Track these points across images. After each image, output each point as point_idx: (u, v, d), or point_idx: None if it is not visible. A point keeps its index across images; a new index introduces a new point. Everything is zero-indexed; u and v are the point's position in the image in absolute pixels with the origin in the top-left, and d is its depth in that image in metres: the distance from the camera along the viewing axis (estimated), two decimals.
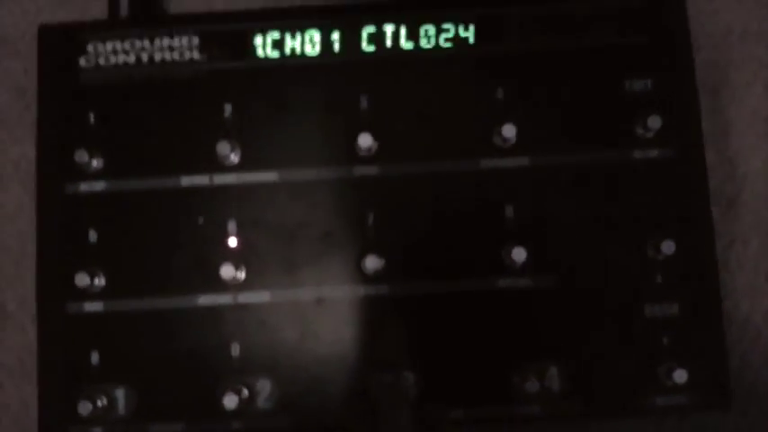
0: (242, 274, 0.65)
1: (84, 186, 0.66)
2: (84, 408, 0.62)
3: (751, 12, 0.75)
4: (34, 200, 0.67)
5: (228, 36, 0.68)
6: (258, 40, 0.68)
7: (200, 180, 0.66)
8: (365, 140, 0.64)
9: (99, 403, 0.63)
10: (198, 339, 0.65)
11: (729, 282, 0.71)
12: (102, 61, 0.68)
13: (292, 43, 0.68)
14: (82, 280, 0.63)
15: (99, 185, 0.66)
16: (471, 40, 0.67)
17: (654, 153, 0.66)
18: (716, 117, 0.73)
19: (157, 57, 0.68)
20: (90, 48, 0.68)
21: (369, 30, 0.68)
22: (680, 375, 0.61)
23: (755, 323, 0.70)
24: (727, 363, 0.64)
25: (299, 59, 0.68)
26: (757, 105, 0.73)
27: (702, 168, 0.66)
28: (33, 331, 0.66)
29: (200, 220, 0.66)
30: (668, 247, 0.63)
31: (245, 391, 0.63)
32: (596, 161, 0.66)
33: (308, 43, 0.68)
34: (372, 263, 0.64)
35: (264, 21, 0.68)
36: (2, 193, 0.73)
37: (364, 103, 0.67)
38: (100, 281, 0.65)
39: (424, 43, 0.67)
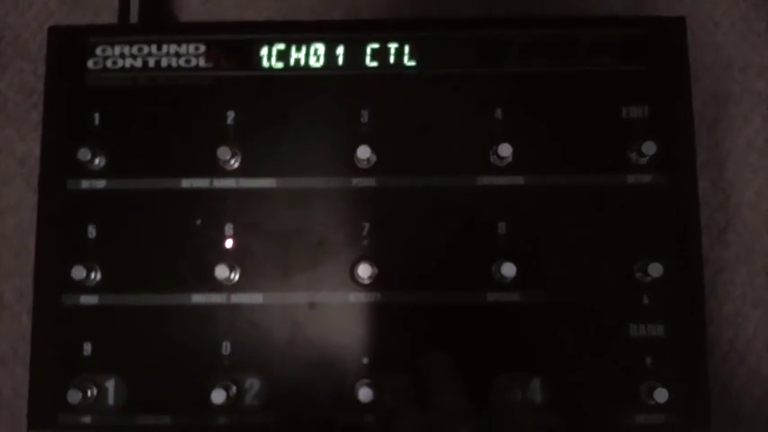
0: (236, 276, 0.66)
1: (85, 183, 0.67)
2: (74, 396, 0.63)
3: (754, 46, 0.76)
4: (36, 196, 0.68)
5: (235, 46, 0.69)
6: (264, 50, 0.69)
7: (200, 183, 0.67)
8: (364, 152, 0.66)
9: (89, 393, 0.64)
10: (190, 336, 0.65)
11: (716, 308, 0.71)
12: (109, 64, 0.69)
13: (297, 55, 0.69)
14: (78, 273, 0.64)
15: (100, 183, 0.67)
16: (473, 60, 0.69)
17: (647, 179, 0.67)
18: (712, 148, 0.74)
19: (164, 62, 0.69)
20: (98, 50, 0.69)
21: (373, 46, 0.69)
22: (661, 394, 0.62)
23: (738, 351, 0.71)
24: (707, 385, 0.65)
25: (303, 71, 0.69)
26: (753, 138, 0.74)
27: (695, 196, 0.67)
28: (29, 322, 0.67)
29: (198, 222, 0.67)
30: (655, 269, 0.64)
31: (234, 388, 0.64)
32: (590, 184, 0.67)
33: (313, 56, 0.69)
34: (365, 271, 0.64)
35: (271, 32, 0.70)
36: (5, 187, 0.74)
37: (365, 116, 0.68)
38: (96, 275, 0.66)
39: (426, 61, 0.69)
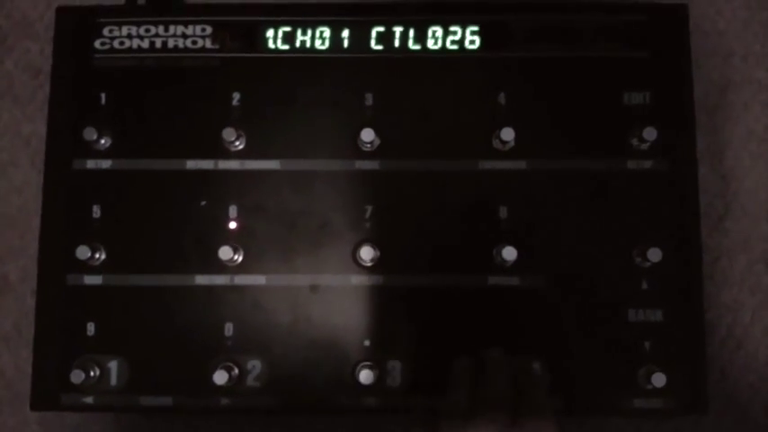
0: (239, 257, 0.66)
1: (91, 163, 0.68)
2: (77, 377, 0.63)
3: (756, 35, 0.77)
4: (42, 176, 0.68)
5: (241, 27, 0.70)
6: (270, 32, 0.69)
7: (205, 164, 0.68)
8: (368, 135, 0.66)
9: (92, 373, 0.64)
10: (193, 317, 0.66)
11: (714, 295, 0.72)
12: (116, 45, 0.69)
13: (303, 38, 0.69)
14: (83, 253, 0.65)
15: (106, 163, 0.68)
16: (477, 45, 0.69)
17: (648, 164, 0.67)
18: (712, 135, 0.74)
19: (171, 44, 0.70)
20: (106, 31, 0.70)
21: (378, 29, 0.69)
22: (659, 379, 0.63)
23: (736, 337, 0.72)
24: (705, 369, 0.65)
25: (309, 54, 0.69)
26: (753, 126, 0.75)
27: (694, 182, 0.67)
28: (32, 302, 0.68)
29: (203, 203, 0.67)
30: (654, 254, 0.64)
31: (236, 370, 0.64)
32: (591, 169, 0.67)
33: (318, 39, 0.69)
34: (367, 253, 0.65)
35: (277, 15, 0.70)
36: (11, 167, 0.74)
37: (369, 99, 0.69)
38: (101, 255, 0.66)
39: (430, 45, 0.69)
